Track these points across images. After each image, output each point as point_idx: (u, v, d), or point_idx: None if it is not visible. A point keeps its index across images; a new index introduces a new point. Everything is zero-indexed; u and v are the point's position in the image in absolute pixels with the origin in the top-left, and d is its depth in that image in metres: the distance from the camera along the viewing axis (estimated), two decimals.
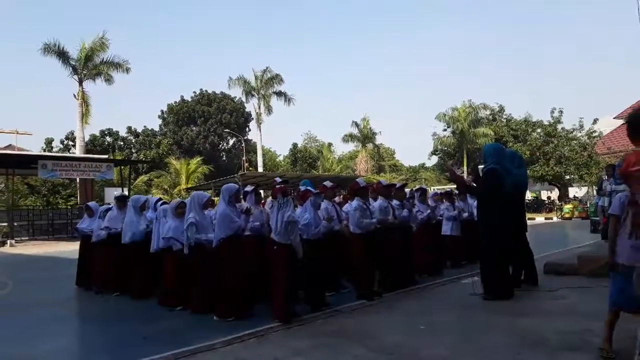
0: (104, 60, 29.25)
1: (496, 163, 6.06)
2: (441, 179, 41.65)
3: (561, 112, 35.15)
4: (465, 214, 9.54)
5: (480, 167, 6.74)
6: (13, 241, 20.38)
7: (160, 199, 7.82)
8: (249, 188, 6.68)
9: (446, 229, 8.98)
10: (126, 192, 23.15)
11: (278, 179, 7.87)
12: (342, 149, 59.40)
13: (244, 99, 43.49)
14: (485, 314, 5.34)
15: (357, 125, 46.63)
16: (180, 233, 6.28)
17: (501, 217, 5.88)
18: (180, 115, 49.04)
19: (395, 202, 7.27)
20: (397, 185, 7.80)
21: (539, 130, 35.53)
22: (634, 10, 14.84)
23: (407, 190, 8.62)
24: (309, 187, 6.54)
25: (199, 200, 6.22)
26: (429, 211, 8.36)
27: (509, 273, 6.24)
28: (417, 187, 9.22)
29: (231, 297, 5.60)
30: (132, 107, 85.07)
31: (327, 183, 7.21)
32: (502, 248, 5.94)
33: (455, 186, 10.08)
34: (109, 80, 29.69)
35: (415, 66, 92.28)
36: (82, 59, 28.58)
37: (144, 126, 48.32)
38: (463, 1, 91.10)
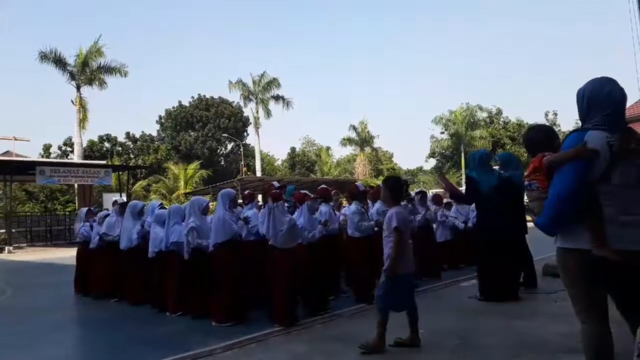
0: (101, 65, 29.29)
1: (471, 170, 6.41)
2: (439, 182, 41.69)
3: (555, 114, 35.55)
4: (461, 222, 9.56)
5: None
6: (11, 248, 20.32)
7: (161, 203, 7.79)
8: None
9: (440, 234, 9.03)
10: (125, 198, 23.18)
11: (275, 183, 7.88)
12: (340, 152, 59.58)
13: (242, 104, 43.58)
14: (485, 317, 5.34)
15: (355, 129, 46.72)
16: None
17: (497, 218, 5.94)
18: (178, 120, 49.06)
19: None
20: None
21: None
22: (631, 9, 14.93)
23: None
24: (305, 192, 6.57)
25: (199, 205, 6.22)
26: (424, 212, 8.37)
27: (509, 275, 6.21)
28: (417, 190, 9.30)
29: (228, 302, 5.60)
30: (130, 112, 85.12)
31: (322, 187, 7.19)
32: (499, 250, 5.97)
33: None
34: (101, 85, 29.71)
35: (413, 68, 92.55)
36: (79, 65, 28.59)
37: (142, 131, 48.40)
38: (462, 2, 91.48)
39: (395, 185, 4.45)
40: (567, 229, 2.53)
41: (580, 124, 2.69)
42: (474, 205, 9.32)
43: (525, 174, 2.83)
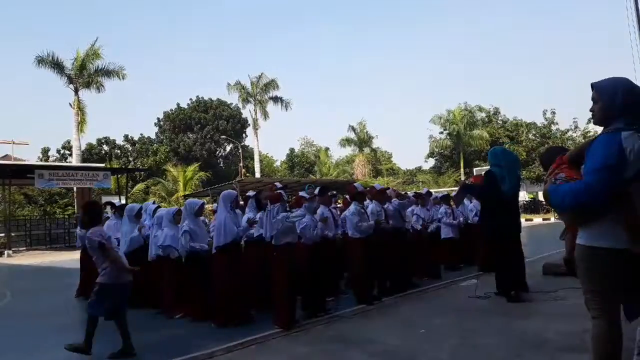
0: (99, 67, 29.25)
1: (495, 166, 6.11)
2: (438, 182, 41.73)
3: (553, 112, 35.64)
4: (462, 218, 9.57)
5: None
6: (10, 251, 20.27)
7: (158, 206, 7.77)
8: (250, 193, 6.64)
9: (446, 232, 9.05)
10: (124, 201, 23.16)
11: (278, 184, 7.85)
12: (339, 153, 59.53)
13: (240, 105, 43.59)
14: (485, 317, 5.35)
15: (353, 129, 46.71)
16: (177, 240, 6.27)
17: (504, 218, 5.97)
18: (177, 122, 49.01)
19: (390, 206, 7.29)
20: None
21: (533, 131, 36.04)
22: (628, 7, 14.97)
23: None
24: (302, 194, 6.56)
25: (192, 207, 6.21)
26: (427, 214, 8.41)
27: (520, 273, 6.22)
28: (424, 189, 9.33)
29: (228, 304, 5.59)
30: (128, 115, 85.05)
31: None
32: (510, 249, 6.03)
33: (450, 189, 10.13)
34: (99, 88, 29.69)
35: (412, 68, 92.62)
36: (76, 68, 28.55)
37: (141, 134, 48.42)
38: (461, 2, 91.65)
39: (91, 210, 4.84)
40: (592, 226, 2.51)
41: (586, 122, 2.67)
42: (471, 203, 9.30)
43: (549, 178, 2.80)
